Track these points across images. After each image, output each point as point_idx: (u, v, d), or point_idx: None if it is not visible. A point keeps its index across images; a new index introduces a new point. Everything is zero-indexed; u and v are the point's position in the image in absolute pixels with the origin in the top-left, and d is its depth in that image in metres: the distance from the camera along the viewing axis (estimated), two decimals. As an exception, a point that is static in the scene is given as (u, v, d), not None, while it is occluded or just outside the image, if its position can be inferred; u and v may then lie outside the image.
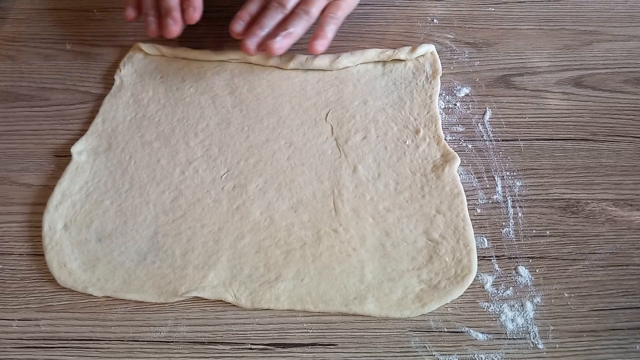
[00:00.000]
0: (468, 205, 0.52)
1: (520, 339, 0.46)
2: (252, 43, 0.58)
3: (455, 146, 0.57)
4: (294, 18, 0.59)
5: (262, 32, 0.59)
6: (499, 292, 0.48)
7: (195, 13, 0.59)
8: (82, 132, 0.58)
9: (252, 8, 0.60)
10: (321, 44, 0.58)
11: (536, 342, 0.46)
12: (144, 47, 0.64)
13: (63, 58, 0.65)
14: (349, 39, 0.66)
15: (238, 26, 0.60)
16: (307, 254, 0.50)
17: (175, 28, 0.58)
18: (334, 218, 0.52)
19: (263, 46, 0.58)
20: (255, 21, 0.59)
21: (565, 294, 0.48)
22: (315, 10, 0.59)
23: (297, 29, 0.59)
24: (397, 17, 0.68)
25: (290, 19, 0.59)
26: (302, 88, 0.61)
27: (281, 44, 0.58)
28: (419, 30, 0.66)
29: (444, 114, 0.59)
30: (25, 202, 0.54)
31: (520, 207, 0.53)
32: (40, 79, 0.63)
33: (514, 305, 0.47)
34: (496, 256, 0.50)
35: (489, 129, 0.58)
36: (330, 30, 0.59)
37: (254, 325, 0.47)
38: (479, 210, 0.53)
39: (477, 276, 0.49)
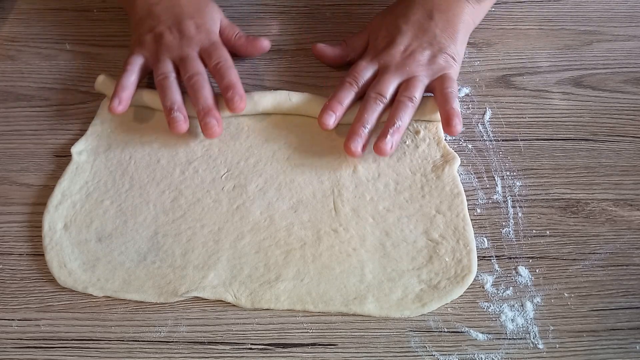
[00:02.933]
0: (468, 205, 0.52)
1: (520, 339, 0.46)
2: (357, 145, 0.52)
3: (455, 146, 0.57)
4: (399, 108, 0.53)
5: (366, 131, 0.53)
6: (499, 292, 0.48)
7: (242, 102, 0.54)
8: (82, 132, 0.58)
9: (343, 98, 0.55)
10: (459, 122, 0.52)
11: (536, 342, 0.46)
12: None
13: (63, 58, 0.65)
14: (349, 39, 0.66)
15: (330, 119, 0.53)
16: (307, 254, 0.50)
17: (218, 129, 0.54)
18: (334, 218, 0.52)
19: (374, 148, 0.53)
20: (355, 118, 0.54)
21: (565, 294, 0.48)
22: (419, 94, 0.54)
23: (405, 120, 0.53)
24: (397, 17, 0.68)
25: (396, 110, 0.53)
26: (302, 88, 0.61)
27: (392, 142, 0.52)
28: (419, 30, 0.66)
29: (444, 114, 0.59)
30: (25, 202, 0.54)
31: (520, 207, 0.53)
32: (40, 79, 0.63)
33: (514, 305, 0.47)
34: (496, 256, 0.50)
35: (489, 129, 0.58)
36: (458, 105, 0.53)
37: (254, 325, 0.47)
38: (479, 210, 0.53)
39: (477, 276, 0.49)
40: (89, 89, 0.62)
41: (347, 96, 0.55)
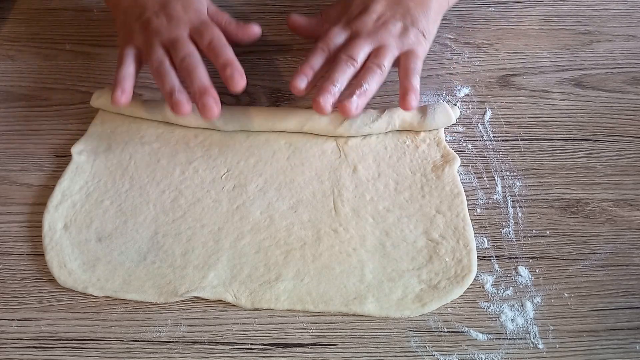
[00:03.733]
0: (468, 205, 0.52)
1: (520, 339, 0.46)
2: (327, 102, 0.51)
3: (455, 146, 0.57)
4: (367, 73, 0.53)
5: (336, 89, 0.52)
6: (499, 292, 0.48)
7: (242, 79, 0.52)
8: (82, 132, 0.58)
9: (315, 62, 0.54)
10: (415, 99, 0.52)
11: (536, 342, 0.46)
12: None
13: (63, 58, 0.65)
14: (349, 39, 0.66)
15: (301, 82, 0.53)
16: (307, 254, 0.50)
17: (217, 109, 0.51)
18: (334, 218, 0.52)
19: (338, 106, 0.52)
20: (326, 76, 0.53)
21: (565, 294, 0.48)
22: (388, 63, 0.54)
23: (372, 86, 0.53)
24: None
25: (364, 75, 0.53)
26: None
27: (358, 103, 0.52)
28: (419, 30, 0.66)
29: (444, 114, 0.59)
30: (25, 202, 0.54)
31: (520, 207, 0.53)
32: (40, 79, 0.63)
33: (514, 305, 0.47)
34: (496, 256, 0.50)
35: (489, 129, 0.58)
36: (417, 82, 0.53)
37: (254, 325, 0.47)
38: (479, 210, 0.53)
39: (477, 276, 0.49)
40: (88, 89, 0.62)
41: (318, 60, 0.54)
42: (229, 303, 0.48)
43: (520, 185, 0.54)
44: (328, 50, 0.55)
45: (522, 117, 0.59)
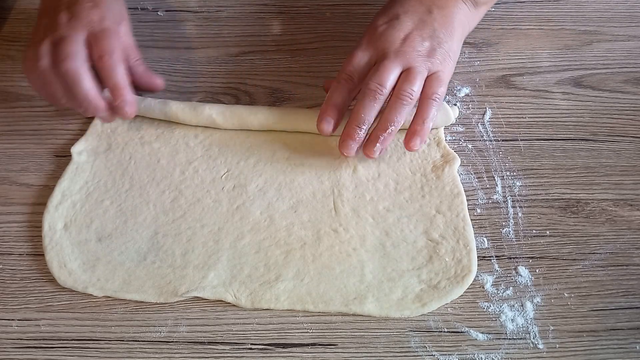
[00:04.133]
0: (468, 205, 0.52)
1: (520, 339, 0.46)
2: (351, 151, 0.51)
3: (455, 146, 0.57)
4: (396, 107, 0.51)
5: (361, 133, 0.51)
6: (499, 292, 0.48)
7: (132, 107, 0.50)
8: (82, 132, 0.58)
9: (338, 98, 0.52)
10: (421, 140, 0.51)
11: (536, 342, 0.46)
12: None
13: (63, 58, 0.65)
14: (348, 38, 0.66)
15: (328, 126, 0.52)
16: (307, 254, 0.50)
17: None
18: (334, 218, 0.52)
19: (363, 150, 0.52)
20: (351, 115, 0.51)
21: (565, 294, 0.48)
22: (418, 88, 0.51)
23: (399, 121, 0.51)
24: (397, 17, 0.68)
25: (392, 110, 0.51)
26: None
27: (381, 150, 0.52)
28: (419, 30, 0.66)
29: (444, 114, 0.59)
30: (25, 202, 0.54)
31: (520, 207, 0.53)
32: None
33: (514, 305, 0.47)
34: (496, 256, 0.50)
35: (489, 129, 0.58)
36: (432, 118, 0.51)
37: (254, 325, 0.47)
38: (479, 210, 0.53)
39: (477, 276, 0.49)
40: (89, 89, 0.62)
41: (342, 96, 0.53)
42: (229, 303, 0.48)
43: (520, 185, 0.54)
44: (351, 79, 0.53)
45: (522, 117, 0.59)
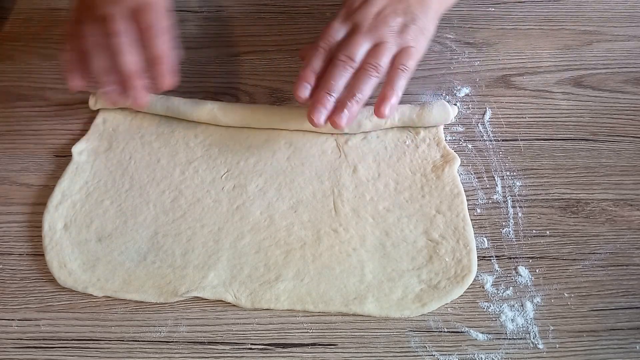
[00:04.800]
0: (468, 205, 0.52)
1: (520, 339, 0.46)
2: (320, 116, 0.51)
3: (455, 146, 0.57)
4: (362, 78, 0.51)
5: (331, 99, 0.51)
6: (499, 292, 0.48)
7: (172, 78, 0.50)
8: (82, 132, 0.58)
9: (316, 65, 0.53)
10: (391, 107, 0.51)
11: (536, 342, 0.46)
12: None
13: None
14: (349, 39, 0.66)
15: (304, 90, 0.52)
16: (307, 254, 0.50)
17: (145, 99, 0.50)
18: (334, 218, 0.52)
19: (329, 120, 0.51)
20: (321, 82, 0.52)
21: (565, 294, 0.48)
22: (385, 62, 0.52)
23: (366, 92, 0.51)
24: (397, 17, 0.68)
25: (358, 80, 0.51)
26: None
27: (349, 116, 0.51)
28: (419, 30, 0.66)
29: (444, 114, 0.59)
30: (25, 202, 0.54)
31: (520, 207, 0.53)
32: (40, 79, 0.63)
33: (514, 305, 0.47)
34: (496, 256, 0.50)
35: (489, 129, 0.58)
36: (401, 87, 0.52)
37: (254, 325, 0.47)
38: (479, 210, 0.53)
39: (477, 276, 0.49)
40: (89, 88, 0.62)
41: (319, 61, 0.53)
42: (229, 303, 0.48)
43: (520, 185, 0.54)
44: (329, 47, 0.53)
45: (522, 117, 0.59)
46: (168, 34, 0.50)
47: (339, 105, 0.51)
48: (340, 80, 0.51)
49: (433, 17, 0.56)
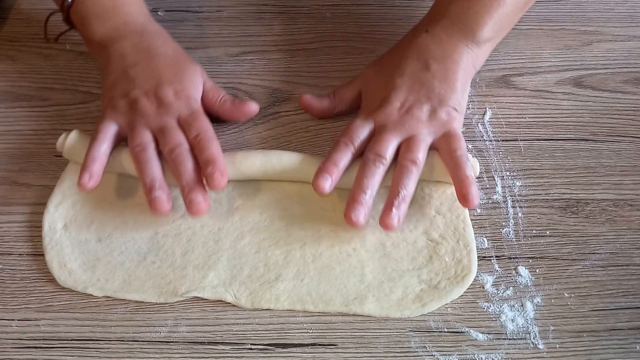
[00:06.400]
0: (468, 205, 0.52)
1: (521, 339, 0.46)
2: (359, 215, 0.48)
3: (455, 146, 0.57)
4: (402, 175, 0.49)
5: (367, 197, 0.48)
6: (499, 292, 0.48)
7: (223, 179, 0.49)
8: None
9: (339, 158, 0.50)
10: (476, 192, 0.49)
11: (536, 342, 0.46)
12: None
13: (63, 58, 0.65)
14: (348, 38, 0.66)
15: (325, 182, 0.48)
16: (307, 254, 0.50)
17: (205, 205, 0.49)
18: (334, 218, 0.52)
19: (380, 223, 0.48)
20: (355, 183, 0.49)
21: (565, 294, 0.48)
22: (423, 154, 0.50)
23: (410, 188, 0.49)
24: (397, 17, 0.68)
25: (398, 177, 0.49)
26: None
27: (399, 216, 0.48)
28: (419, 30, 0.66)
29: (444, 114, 0.59)
30: (25, 202, 0.54)
31: (520, 207, 0.53)
32: (40, 79, 0.63)
33: (514, 305, 0.47)
34: (496, 256, 0.50)
35: (489, 129, 0.58)
36: (470, 170, 0.49)
37: (254, 325, 0.47)
38: (479, 210, 0.53)
39: (477, 276, 0.49)
40: (89, 89, 0.62)
41: (343, 157, 0.50)
42: (229, 303, 0.48)
43: (520, 185, 0.54)
44: (353, 145, 0.51)
45: (522, 117, 0.59)
46: (216, 138, 0.51)
47: (387, 205, 0.48)
48: (374, 179, 0.49)
49: (462, 90, 0.54)
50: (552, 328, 0.46)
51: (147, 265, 0.49)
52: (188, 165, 0.49)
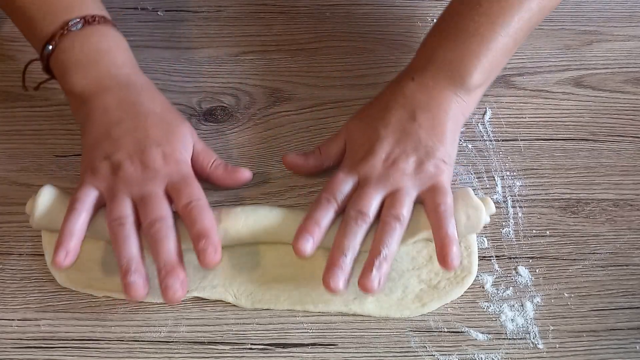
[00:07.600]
0: (468, 205, 0.52)
1: (520, 339, 0.46)
2: (338, 281, 0.44)
3: (455, 146, 0.57)
4: (384, 233, 0.45)
5: (347, 260, 0.45)
6: (499, 292, 0.48)
7: (217, 255, 0.44)
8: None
9: (320, 216, 0.46)
10: (456, 253, 0.45)
11: (536, 342, 0.46)
12: None
13: (63, 58, 0.65)
14: (348, 38, 0.66)
15: (306, 244, 0.45)
16: (307, 254, 0.50)
17: (181, 292, 0.44)
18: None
19: (358, 285, 0.45)
20: (334, 243, 0.46)
21: (565, 294, 0.48)
22: (407, 210, 0.46)
23: (392, 247, 0.45)
24: (397, 17, 0.68)
25: (381, 235, 0.45)
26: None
27: (380, 277, 0.44)
28: (419, 30, 0.66)
29: (444, 114, 0.59)
30: (25, 202, 0.53)
31: (520, 207, 0.53)
32: (41, 79, 0.63)
33: (514, 305, 0.47)
34: (496, 256, 0.50)
35: (489, 129, 0.58)
36: (453, 228, 0.46)
37: (254, 325, 0.47)
38: (479, 210, 0.53)
39: (477, 276, 0.49)
40: (89, 89, 0.62)
41: (325, 215, 0.47)
42: (229, 303, 0.48)
43: (520, 185, 0.54)
44: (335, 201, 0.48)
45: (522, 117, 0.59)
46: (209, 208, 0.46)
47: (367, 265, 0.45)
48: (354, 239, 0.46)
49: (451, 141, 0.51)
50: (551, 328, 0.46)
51: (147, 265, 0.49)
52: (168, 244, 0.44)
